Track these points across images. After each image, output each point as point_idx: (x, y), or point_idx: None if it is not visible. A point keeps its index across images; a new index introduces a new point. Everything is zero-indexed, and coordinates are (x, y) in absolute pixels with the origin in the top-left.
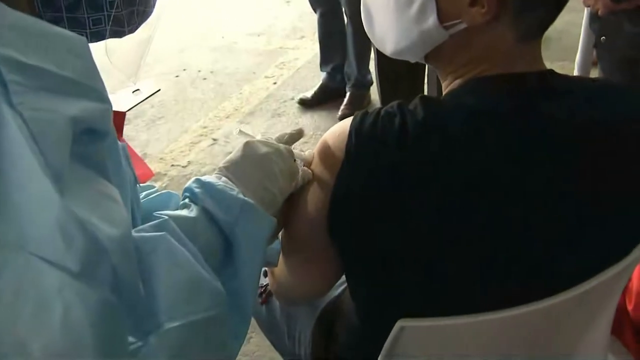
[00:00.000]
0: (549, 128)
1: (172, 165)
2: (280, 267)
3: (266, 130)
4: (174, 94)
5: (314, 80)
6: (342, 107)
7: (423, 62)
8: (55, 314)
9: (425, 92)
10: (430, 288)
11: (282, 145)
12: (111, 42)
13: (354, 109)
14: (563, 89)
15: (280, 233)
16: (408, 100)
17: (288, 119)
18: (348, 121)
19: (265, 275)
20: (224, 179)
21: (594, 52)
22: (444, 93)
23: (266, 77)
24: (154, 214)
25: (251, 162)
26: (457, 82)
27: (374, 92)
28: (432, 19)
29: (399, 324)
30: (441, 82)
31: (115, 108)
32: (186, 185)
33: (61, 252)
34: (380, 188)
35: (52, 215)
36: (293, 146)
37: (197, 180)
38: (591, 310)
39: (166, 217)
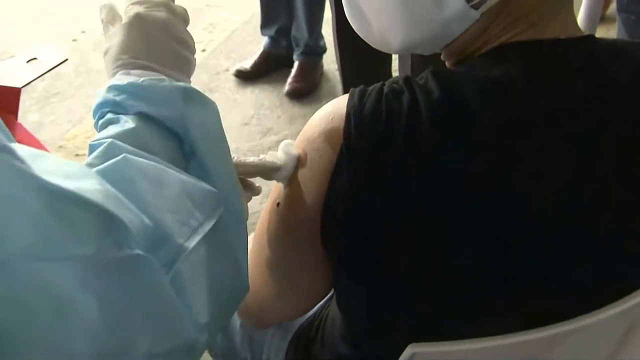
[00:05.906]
0: (590, 107)
1: (77, 155)
2: (254, 283)
3: None
4: (73, 64)
5: (252, 46)
6: (289, 79)
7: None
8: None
9: (395, 61)
10: (443, 302)
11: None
12: None
13: (305, 81)
14: (607, 57)
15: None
16: (416, 75)
17: (223, 95)
18: (341, 101)
19: None
20: (137, 71)
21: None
22: (451, 64)
23: None
24: (89, 142)
25: (143, 34)
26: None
27: (327, 62)
28: (458, 1)
29: (409, 350)
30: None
31: (4, 82)
32: (97, 100)
33: (59, 240)
34: (389, 180)
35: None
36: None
37: (113, 88)
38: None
39: (108, 139)
